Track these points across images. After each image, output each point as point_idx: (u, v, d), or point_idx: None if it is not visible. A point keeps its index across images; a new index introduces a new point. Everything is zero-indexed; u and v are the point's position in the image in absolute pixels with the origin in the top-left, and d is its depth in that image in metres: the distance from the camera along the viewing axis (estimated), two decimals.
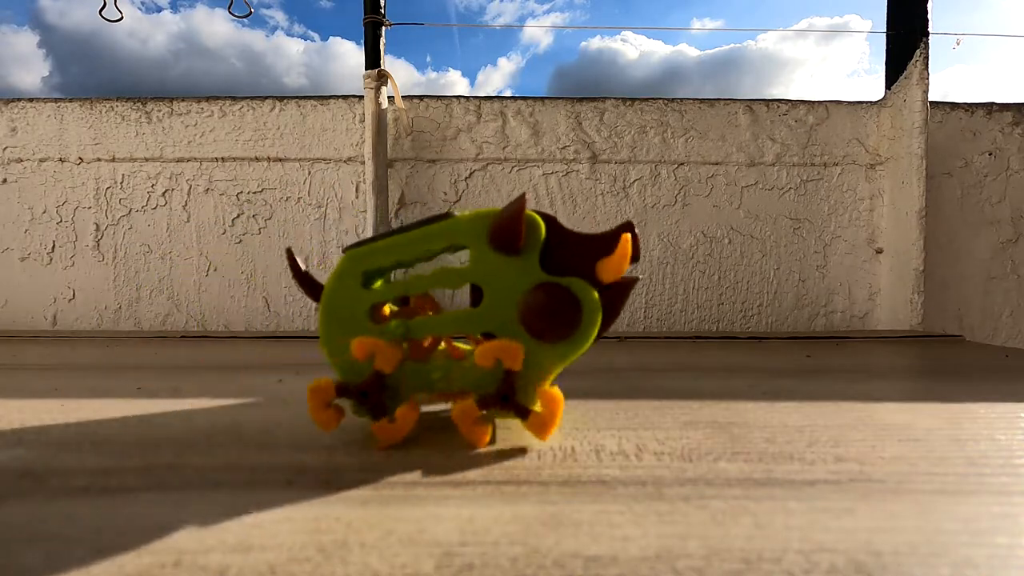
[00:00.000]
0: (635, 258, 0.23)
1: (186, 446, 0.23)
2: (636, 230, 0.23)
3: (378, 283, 0.25)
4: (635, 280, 0.24)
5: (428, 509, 0.17)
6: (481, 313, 0.23)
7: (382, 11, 0.81)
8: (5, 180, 0.83)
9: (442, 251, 0.24)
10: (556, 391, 0.23)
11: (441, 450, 0.23)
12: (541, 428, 0.22)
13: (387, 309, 0.27)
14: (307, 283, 0.25)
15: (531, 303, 0.22)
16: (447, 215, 0.24)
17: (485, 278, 0.23)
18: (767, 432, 0.25)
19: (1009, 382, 0.40)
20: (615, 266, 0.23)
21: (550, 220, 0.23)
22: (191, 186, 0.83)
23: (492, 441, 0.24)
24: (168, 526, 0.15)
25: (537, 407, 0.23)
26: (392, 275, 0.28)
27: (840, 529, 0.16)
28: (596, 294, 0.23)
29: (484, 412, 0.23)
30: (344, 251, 0.24)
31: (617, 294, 0.24)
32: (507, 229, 0.22)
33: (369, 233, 0.79)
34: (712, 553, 0.14)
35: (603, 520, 0.16)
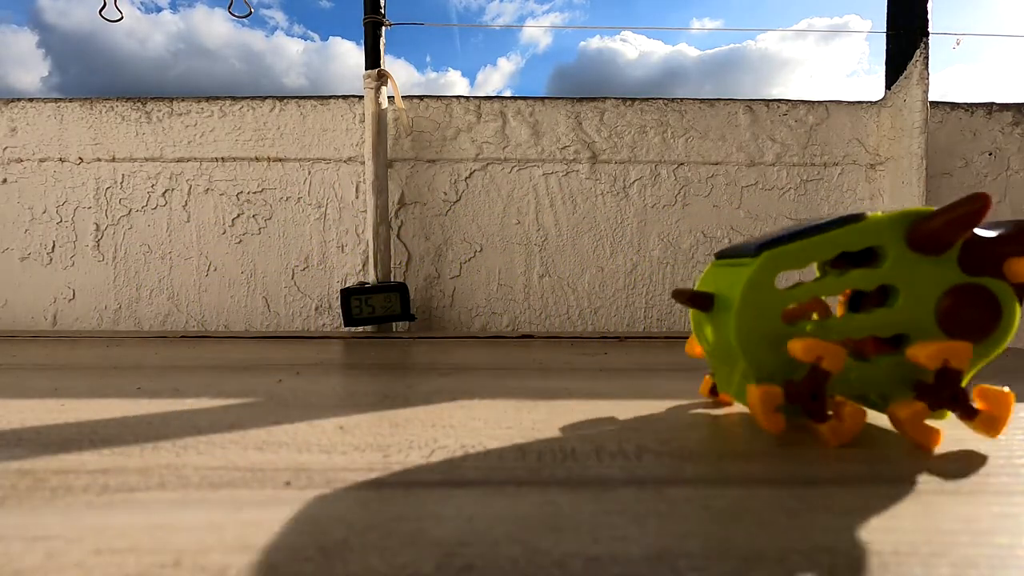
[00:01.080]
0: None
1: (186, 446, 0.23)
2: None
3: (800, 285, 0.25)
4: None
5: (428, 509, 0.17)
6: (897, 314, 0.24)
7: (382, 11, 0.81)
8: (5, 180, 0.83)
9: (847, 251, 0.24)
10: (1006, 391, 0.23)
11: (442, 450, 0.23)
12: (992, 426, 0.23)
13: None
14: (697, 299, 0.26)
15: (952, 304, 0.23)
16: (860, 216, 0.24)
17: (903, 279, 0.23)
18: (767, 432, 0.25)
19: (1009, 382, 0.40)
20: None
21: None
22: (191, 186, 0.83)
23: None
24: (168, 526, 0.15)
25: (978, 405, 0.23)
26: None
27: (840, 529, 0.16)
28: (1014, 293, 0.23)
29: (934, 413, 0.23)
30: (759, 250, 0.24)
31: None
32: (941, 232, 0.22)
33: (369, 233, 0.79)
34: (712, 553, 0.14)
35: (603, 520, 0.16)
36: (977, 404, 0.23)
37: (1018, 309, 0.23)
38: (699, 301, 0.27)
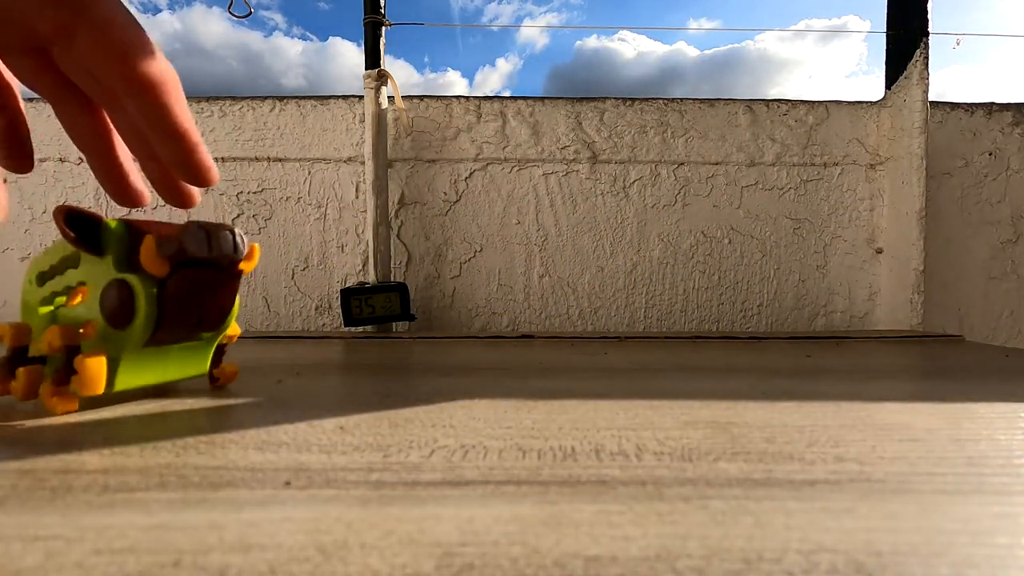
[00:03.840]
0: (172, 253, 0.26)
1: (186, 446, 0.23)
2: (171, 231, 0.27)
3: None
4: None
5: (428, 509, 0.17)
6: (84, 307, 0.28)
7: (382, 11, 0.81)
8: (5, 180, 0.82)
9: (75, 255, 0.29)
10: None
11: (442, 450, 0.23)
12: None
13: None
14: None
15: (103, 296, 0.27)
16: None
17: (89, 276, 0.28)
18: (767, 432, 0.25)
19: (1009, 382, 0.40)
20: (148, 262, 0.26)
21: (132, 224, 0.27)
22: None
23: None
24: (168, 526, 0.15)
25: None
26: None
27: (840, 529, 0.16)
28: (144, 286, 0.27)
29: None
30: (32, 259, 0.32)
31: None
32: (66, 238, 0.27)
33: (369, 233, 0.79)
34: (712, 553, 0.14)
35: (603, 520, 0.16)
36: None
37: (148, 297, 0.26)
38: None
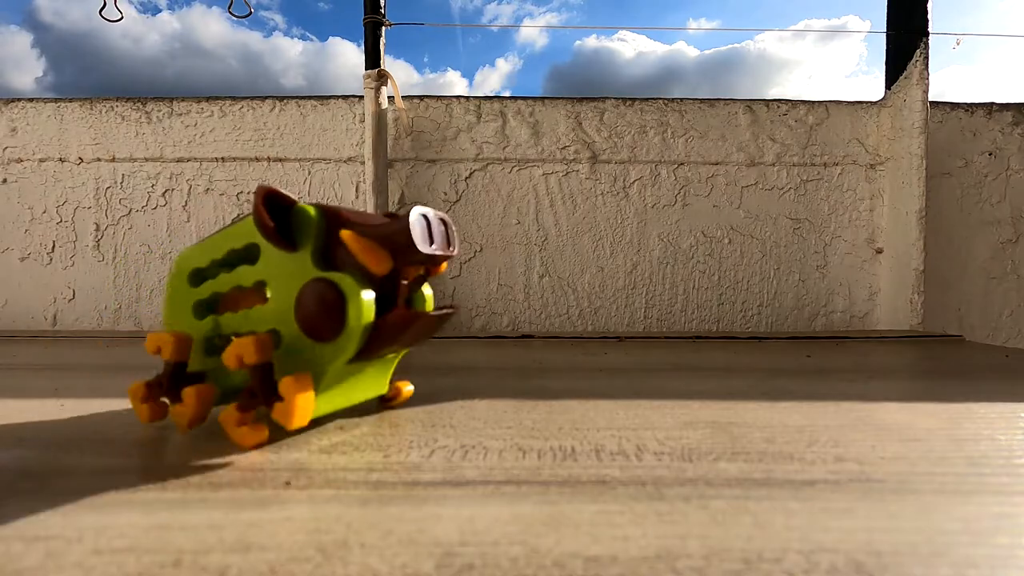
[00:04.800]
0: (407, 251, 0.22)
1: (185, 446, 0.23)
2: (407, 222, 0.21)
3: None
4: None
5: (428, 509, 0.17)
6: (271, 310, 0.24)
7: (382, 11, 0.81)
8: (5, 180, 0.83)
9: (244, 249, 0.24)
10: (302, 379, 0.22)
11: (442, 450, 0.23)
12: (284, 415, 0.22)
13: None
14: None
15: (300, 299, 0.22)
16: (245, 215, 0.24)
17: (273, 275, 0.24)
18: (767, 432, 0.25)
19: (1009, 382, 0.40)
20: (371, 259, 0.22)
21: (329, 211, 0.22)
22: (191, 186, 0.83)
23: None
24: (168, 526, 0.15)
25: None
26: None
27: (840, 529, 0.16)
28: (361, 289, 0.21)
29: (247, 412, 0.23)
30: (179, 255, 0.27)
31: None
32: (260, 227, 0.22)
33: None
34: (712, 553, 0.14)
35: (603, 520, 0.16)
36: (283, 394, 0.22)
37: (366, 303, 0.21)
38: None
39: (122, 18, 0.81)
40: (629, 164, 0.84)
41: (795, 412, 0.29)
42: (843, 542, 0.15)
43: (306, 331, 0.22)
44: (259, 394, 0.22)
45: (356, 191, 0.83)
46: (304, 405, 0.21)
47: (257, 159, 0.82)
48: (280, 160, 0.82)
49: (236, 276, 0.24)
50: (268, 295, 0.24)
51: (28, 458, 0.21)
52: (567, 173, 0.83)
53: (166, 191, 0.83)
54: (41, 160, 0.82)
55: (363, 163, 0.81)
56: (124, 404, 0.30)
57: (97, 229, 0.83)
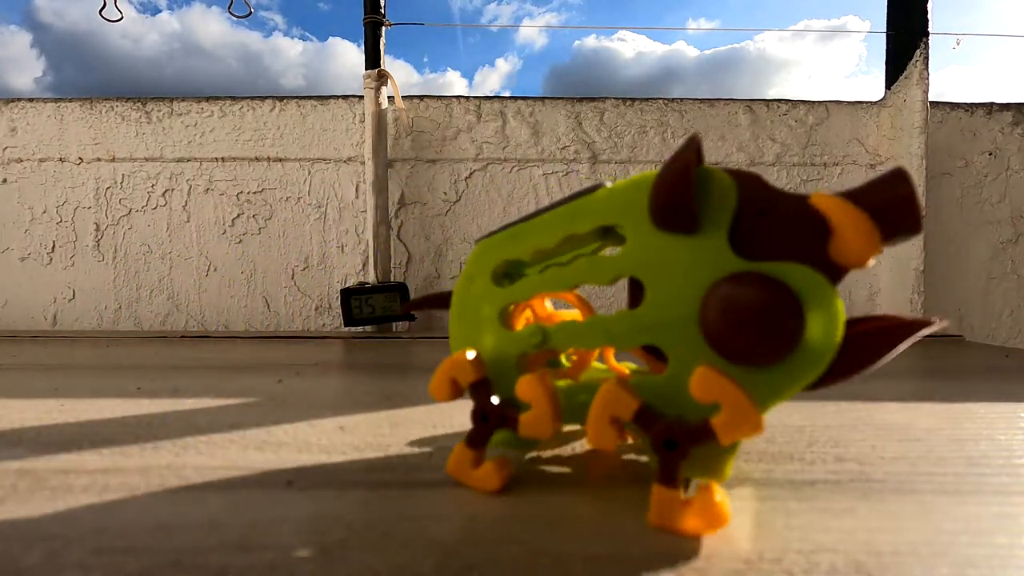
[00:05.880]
0: (910, 227, 0.14)
1: (186, 446, 0.23)
2: (912, 183, 0.14)
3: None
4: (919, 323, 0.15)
5: (428, 509, 0.17)
6: (642, 318, 0.17)
7: (382, 11, 0.81)
8: (5, 180, 0.83)
9: (591, 234, 0.18)
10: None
11: (442, 450, 0.23)
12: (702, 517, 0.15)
13: (526, 312, 0.22)
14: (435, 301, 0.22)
15: (718, 304, 0.15)
16: (597, 186, 0.18)
17: (648, 269, 0.17)
18: (767, 432, 0.25)
19: (1009, 382, 0.40)
20: (863, 243, 0.14)
21: (749, 179, 0.16)
22: (191, 186, 0.83)
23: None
24: (168, 526, 0.15)
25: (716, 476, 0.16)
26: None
27: (840, 529, 0.16)
28: (832, 289, 0.15)
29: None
30: (476, 242, 0.20)
31: None
32: (670, 193, 0.16)
33: (369, 233, 0.79)
34: (712, 553, 0.14)
35: (603, 520, 0.16)
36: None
37: (838, 315, 0.15)
38: (432, 301, 0.22)
39: (122, 18, 0.81)
40: (629, 164, 0.84)
41: (795, 412, 0.29)
42: (843, 542, 0.15)
43: (725, 349, 0.15)
44: (664, 473, 0.15)
45: (356, 191, 0.83)
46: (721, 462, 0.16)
47: (257, 159, 0.82)
48: (280, 160, 0.82)
49: (573, 271, 0.18)
50: (645, 296, 0.17)
51: (28, 458, 0.21)
52: (567, 173, 0.83)
53: (166, 191, 0.83)
54: (41, 160, 0.82)
55: (363, 163, 0.81)
56: (124, 404, 0.30)
57: (97, 229, 0.83)
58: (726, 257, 0.15)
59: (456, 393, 0.19)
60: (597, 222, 0.18)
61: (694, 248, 0.16)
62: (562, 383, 0.20)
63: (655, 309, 0.17)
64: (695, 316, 0.16)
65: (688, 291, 0.16)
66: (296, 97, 0.83)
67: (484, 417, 0.18)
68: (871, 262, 0.14)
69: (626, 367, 0.23)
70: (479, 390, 0.19)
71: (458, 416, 0.28)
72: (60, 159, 0.82)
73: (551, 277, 0.19)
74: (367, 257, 0.81)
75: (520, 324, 0.21)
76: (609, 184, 0.18)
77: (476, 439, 0.18)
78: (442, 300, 0.21)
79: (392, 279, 0.81)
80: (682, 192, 0.15)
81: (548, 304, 0.23)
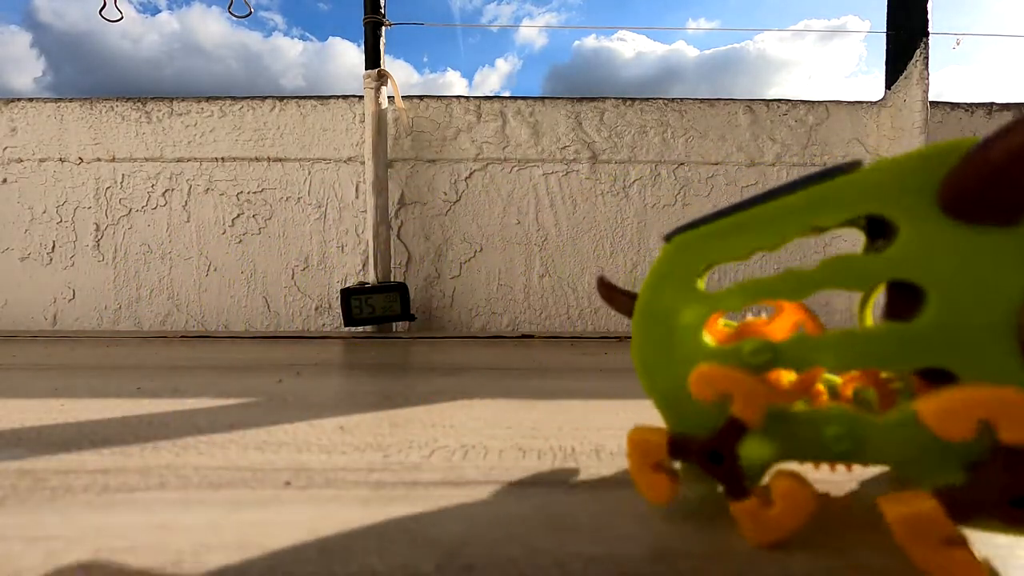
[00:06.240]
0: None
1: (186, 446, 0.23)
2: None
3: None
4: None
5: (428, 509, 0.17)
6: (924, 333, 0.14)
7: (382, 11, 0.81)
8: (5, 180, 0.83)
9: (838, 226, 0.15)
10: None
11: (442, 450, 0.23)
12: None
13: (722, 323, 0.19)
14: (617, 299, 0.18)
15: None
16: (853, 164, 0.15)
17: (932, 270, 0.14)
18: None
19: None
20: None
21: None
22: (191, 186, 0.83)
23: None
24: (168, 526, 0.15)
25: None
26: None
27: (840, 529, 0.16)
28: None
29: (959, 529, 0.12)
30: (668, 237, 0.17)
31: None
32: (996, 176, 0.12)
33: (369, 233, 0.79)
34: (712, 553, 0.14)
35: (603, 520, 0.16)
36: None
37: None
38: (619, 304, 0.19)
39: (122, 18, 0.81)
40: (629, 164, 0.84)
41: None
42: (843, 542, 0.15)
43: None
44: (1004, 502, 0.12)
45: (356, 191, 0.83)
46: None
47: (257, 159, 0.82)
48: (280, 160, 0.82)
49: (825, 273, 0.15)
50: (927, 305, 0.14)
51: (28, 458, 0.21)
52: (567, 173, 0.83)
53: (166, 191, 0.83)
54: (41, 160, 0.82)
55: (363, 163, 0.81)
56: (124, 404, 0.30)
57: (97, 229, 0.83)
58: None
59: (670, 480, 0.16)
60: (852, 211, 0.14)
61: (1011, 243, 0.13)
62: (797, 407, 0.16)
63: (947, 321, 0.13)
64: (1008, 329, 0.13)
65: (998, 298, 0.13)
66: (296, 97, 0.83)
67: (716, 458, 0.15)
68: None
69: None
70: (729, 438, 0.15)
71: (458, 416, 0.28)
72: (60, 159, 0.82)
73: (788, 281, 0.15)
74: (367, 257, 0.81)
75: (717, 335, 0.17)
76: (865, 163, 0.15)
77: (735, 486, 0.15)
78: (623, 301, 0.18)
79: (392, 279, 0.81)
80: (1016, 174, 0.12)
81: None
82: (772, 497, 0.14)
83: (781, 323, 0.19)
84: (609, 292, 0.19)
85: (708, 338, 0.16)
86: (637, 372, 0.17)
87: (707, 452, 0.15)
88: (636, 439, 0.16)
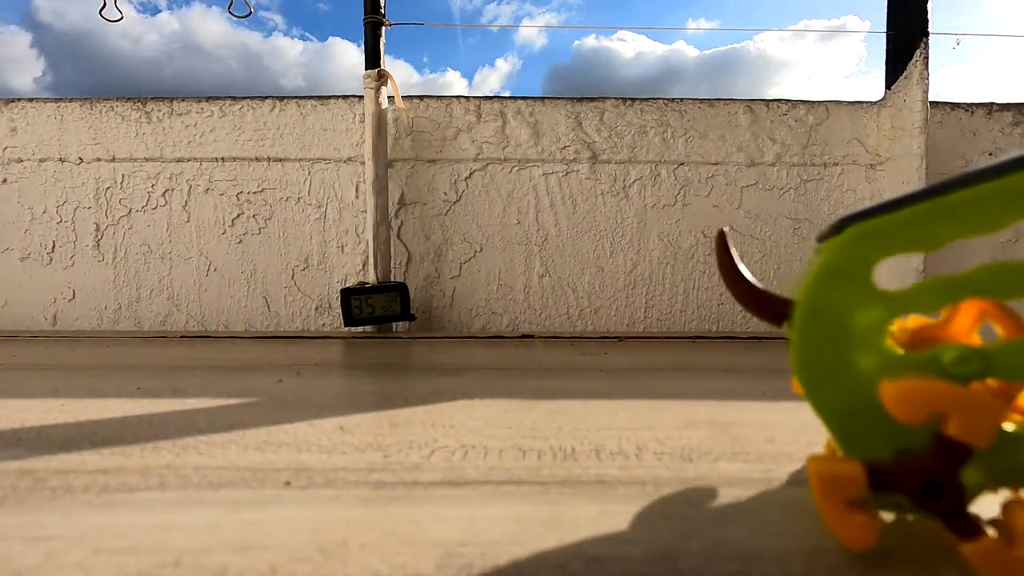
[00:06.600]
0: None
1: (186, 446, 0.23)
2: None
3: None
4: None
5: (428, 509, 0.17)
6: None
7: (382, 11, 0.81)
8: (5, 180, 0.83)
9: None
10: None
11: (442, 450, 0.23)
12: None
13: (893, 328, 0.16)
14: (755, 296, 0.16)
15: None
16: None
17: None
18: (767, 432, 0.25)
19: None
20: None
21: None
22: (191, 186, 0.83)
23: None
24: (168, 526, 0.15)
25: None
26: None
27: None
28: None
29: None
30: (838, 227, 0.15)
31: None
32: None
33: (369, 233, 0.79)
34: (712, 553, 0.14)
35: (603, 520, 0.16)
36: None
37: None
38: (766, 308, 0.16)
39: (122, 18, 0.81)
40: (629, 164, 0.84)
41: (795, 412, 0.29)
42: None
43: None
44: None
45: (356, 191, 0.83)
46: None
47: (257, 159, 0.82)
48: (280, 160, 0.82)
49: None
50: None
51: (28, 458, 0.21)
52: (567, 173, 0.83)
53: (166, 191, 0.83)
54: (41, 160, 0.82)
55: (363, 163, 0.81)
56: (124, 404, 0.30)
57: (97, 229, 0.83)
58: None
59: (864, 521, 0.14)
60: None
61: None
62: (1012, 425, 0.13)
63: None
64: None
65: None
66: (296, 97, 0.83)
67: (934, 490, 0.13)
68: None
69: None
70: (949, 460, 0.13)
71: (458, 416, 0.28)
72: (60, 159, 0.82)
73: (998, 275, 0.13)
74: (367, 257, 0.81)
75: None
76: None
77: (963, 523, 0.13)
78: (774, 310, 0.15)
79: (392, 279, 0.81)
80: None
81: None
82: (1016, 534, 0.12)
83: (961, 322, 0.16)
84: (754, 294, 0.16)
85: (894, 345, 0.14)
86: (802, 387, 0.15)
87: (923, 483, 0.13)
88: (824, 472, 0.13)
